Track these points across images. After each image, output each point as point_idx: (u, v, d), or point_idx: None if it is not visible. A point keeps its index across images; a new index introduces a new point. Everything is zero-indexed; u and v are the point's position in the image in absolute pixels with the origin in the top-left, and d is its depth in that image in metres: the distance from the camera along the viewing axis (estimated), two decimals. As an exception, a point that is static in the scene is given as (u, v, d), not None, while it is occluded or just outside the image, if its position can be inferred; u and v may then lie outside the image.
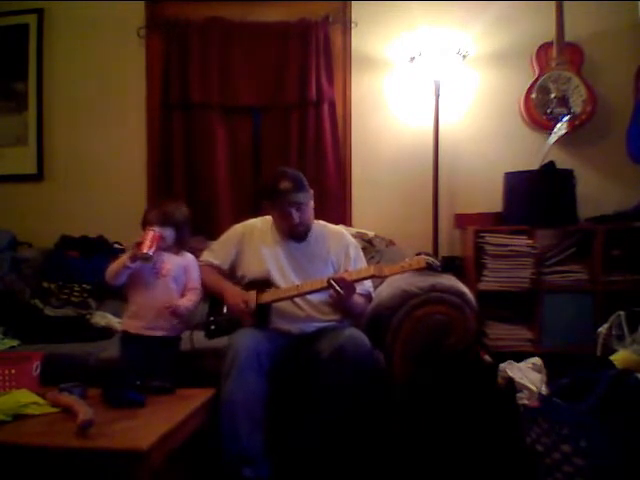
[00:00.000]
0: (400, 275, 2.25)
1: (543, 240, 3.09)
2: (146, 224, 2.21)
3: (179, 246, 2.27)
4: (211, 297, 2.44)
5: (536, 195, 3.05)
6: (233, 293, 2.33)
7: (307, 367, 2.21)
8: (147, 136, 3.45)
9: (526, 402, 2.13)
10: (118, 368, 2.18)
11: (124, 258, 2.16)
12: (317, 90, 3.29)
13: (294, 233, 2.38)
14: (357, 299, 2.31)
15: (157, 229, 2.15)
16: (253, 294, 2.29)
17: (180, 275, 2.26)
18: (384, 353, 2.32)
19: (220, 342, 2.26)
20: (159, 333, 2.20)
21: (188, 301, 2.22)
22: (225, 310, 2.34)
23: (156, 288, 2.20)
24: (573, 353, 2.71)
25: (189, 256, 2.32)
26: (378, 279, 2.38)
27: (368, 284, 2.38)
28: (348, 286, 2.19)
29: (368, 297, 2.40)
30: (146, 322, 2.19)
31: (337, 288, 2.16)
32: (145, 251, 2.08)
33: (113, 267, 2.19)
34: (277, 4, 3.39)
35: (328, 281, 2.18)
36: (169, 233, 2.22)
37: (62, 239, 3.25)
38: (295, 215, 2.30)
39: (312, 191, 2.39)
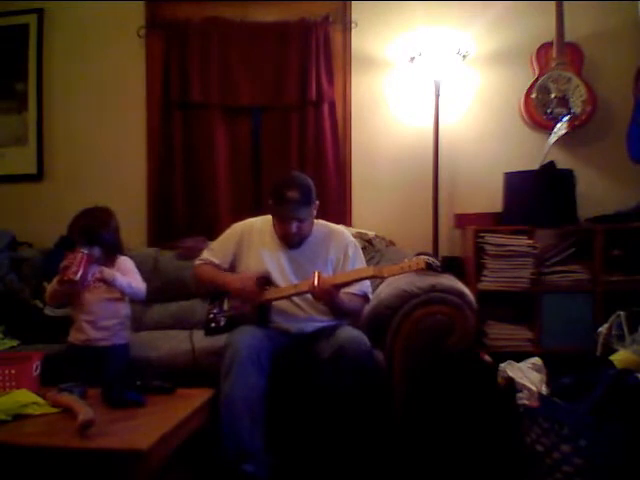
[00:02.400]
0: (400, 275, 2.25)
1: (543, 240, 3.09)
2: (72, 239, 2.18)
3: (111, 257, 2.24)
4: (211, 295, 2.44)
5: (536, 195, 3.05)
6: (234, 278, 2.34)
7: (307, 367, 2.21)
8: (147, 136, 3.46)
9: (526, 402, 2.13)
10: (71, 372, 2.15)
11: (54, 281, 2.16)
12: (317, 90, 3.29)
13: (288, 241, 2.38)
14: (348, 299, 2.30)
15: (84, 250, 2.12)
16: (253, 277, 2.30)
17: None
18: (384, 353, 2.32)
19: (219, 342, 2.26)
20: (102, 344, 2.20)
21: (121, 275, 2.20)
22: (225, 308, 2.34)
23: (90, 301, 2.20)
24: (573, 353, 2.71)
25: (121, 260, 2.29)
26: (378, 279, 2.38)
27: (366, 284, 2.37)
28: (327, 289, 2.17)
29: (364, 298, 2.38)
30: (87, 335, 2.20)
31: (315, 283, 2.15)
32: (71, 277, 2.07)
33: (49, 290, 2.21)
34: (277, 4, 3.39)
35: (314, 273, 2.18)
36: (97, 251, 2.18)
37: (62, 239, 3.24)
38: (293, 226, 2.29)
39: (317, 202, 2.37)
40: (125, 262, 2.30)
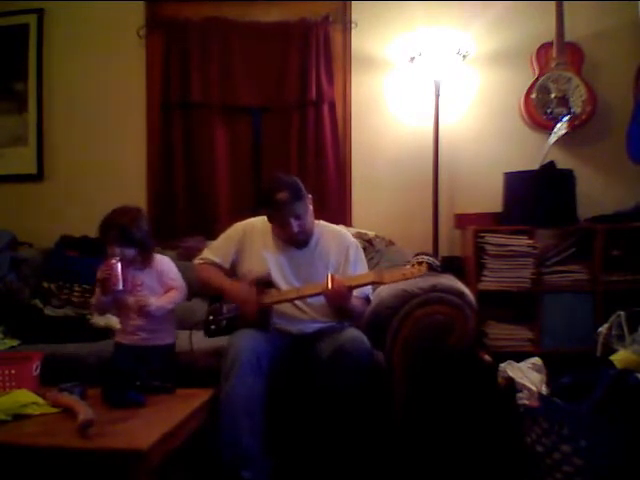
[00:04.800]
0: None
1: (543, 240, 3.09)
2: (104, 240, 2.16)
3: (144, 258, 2.20)
4: (211, 296, 2.44)
5: (536, 195, 3.05)
6: (233, 287, 2.32)
7: (307, 368, 2.21)
8: (147, 136, 3.46)
9: (526, 402, 2.13)
10: (117, 369, 2.15)
11: (98, 293, 2.18)
12: (317, 90, 3.30)
13: (295, 242, 2.36)
14: (355, 302, 2.29)
15: (116, 253, 2.12)
16: (253, 288, 2.28)
17: (154, 285, 2.21)
18: (384, 353, 2.32)
19: (219, 342, 2.26)
20: (148, 343, 2.18)
21: (160, 300, 2.16)
22: (225, 310, 2.34)
23: (131, 305, 2.17)
24: (573, 353, 2.71)
25: (159, 260, 2.25)
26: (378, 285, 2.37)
27: (367, 287, 2.36)
28: (342, 291, 2.16)
29: (366, 300, 2.38)
30: (132, 336, 2.19)
31: (329, 285, 2.14)
32: (115, 288, 2.09)
33: (95, 302, 2.24)
34: (277, 4, 3.39)
35: (327, 275, 2.16)
36: (130, 252, 2.16)
37: (62, 239, 3.25)
38: (294, 225, 2.27)
39: (310, 196, 2.35)
40: (163, 261, 2.26)
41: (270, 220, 2.34)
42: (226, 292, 2.33)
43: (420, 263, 2.22)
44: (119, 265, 2.10)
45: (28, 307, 2.85)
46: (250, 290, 2.27)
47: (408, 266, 2.19)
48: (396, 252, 3.00)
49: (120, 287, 2.10)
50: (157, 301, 2.16)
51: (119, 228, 2.14)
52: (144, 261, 2.21)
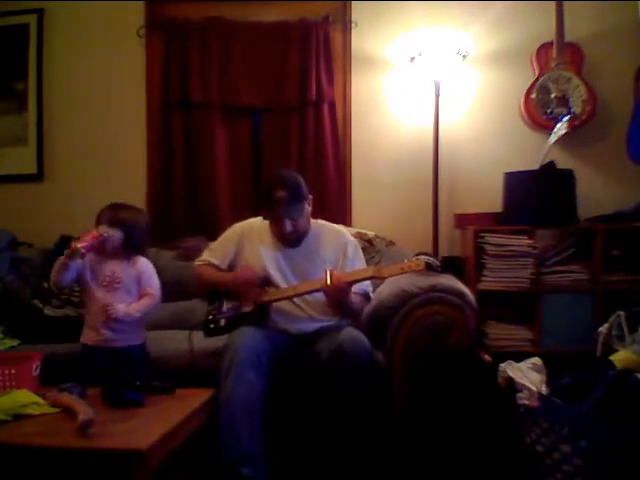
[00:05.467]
0: (400, 275, 2.25)
1: (543, 240, 3.09)
2: (97, 223, 2.15)
3: (130, 251, 2.18)
4: (210, 296, 2.44)
5: (536, 195, 3.05)
6: (234, 273, 2.35)
7: (306, 368, 2.21)
8: (147, 136, 3.46)
9: (526, 402, 2.13)
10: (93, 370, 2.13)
11: (63, 256, 2.09)
12: (317, 90, 3.30)
13: (286, 240, 2.37)
14: (353, 298, 2.29)
15: (103, 229, 2.09)
16: (253, 269, 2.30)
17: (132, 285, 2.18)
18: (384, 353, 2.32)
19: (219, 342, 2.26)
20: (117, 344, 2.15)
21: (130, 307, 2.13)
22: (224, 309, 2.34)
23: (104, 300, 2.13)
24: (573, 353, 2.71)
25: (142, 262, 2.23)
26: (378, 280, 2.37)
27: (366, 283, 2.36)
28: (342, 287, 2.16)
29: (365, 296, 2.38)
30: (103, 335, 2.15)
31: (329, 281, 2.13)
32: (77, 245, 2.02)
33: (55, 266, 2.12)
34: (277, 4, 3.40)
35: (326, 271, 2.16)
36: (117, 235, 2.13)
37: (62, 239, 3.24)
38: (288, 224, 2.28)
39: (310, 197, 2.35)
40: (144, 265, 2.23)
41: (264, 215, 2.34)
42: (225, 281, 2.35)
43: (418, 257, 2.21)
44: (97, 234, 2.07)
45: (28, 307, 2.85)
46: (251, 271, 2.29)
47: (406, 260, 2.19)
48: (396, 252, 3.00)
49: (79, 246, 2.02)
50: (126, 308, 2.13)
51: (113, 210, 2.16)
52: (129, 257, 2.19)
